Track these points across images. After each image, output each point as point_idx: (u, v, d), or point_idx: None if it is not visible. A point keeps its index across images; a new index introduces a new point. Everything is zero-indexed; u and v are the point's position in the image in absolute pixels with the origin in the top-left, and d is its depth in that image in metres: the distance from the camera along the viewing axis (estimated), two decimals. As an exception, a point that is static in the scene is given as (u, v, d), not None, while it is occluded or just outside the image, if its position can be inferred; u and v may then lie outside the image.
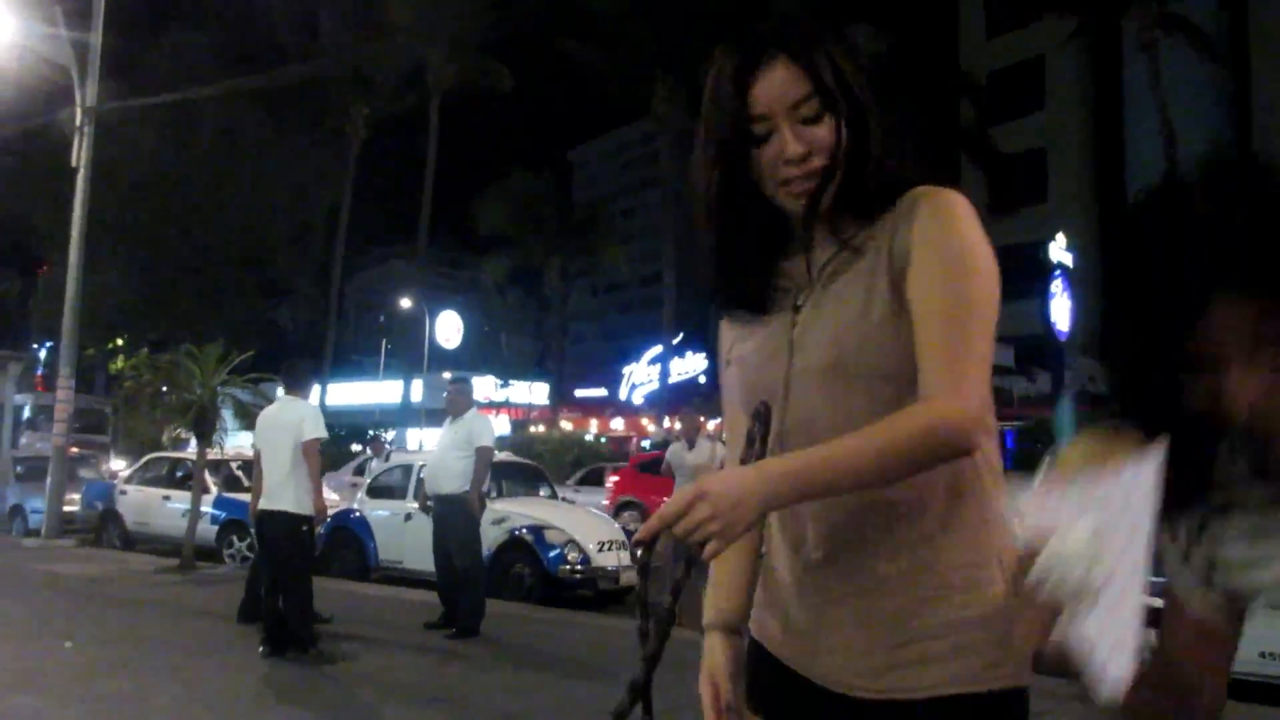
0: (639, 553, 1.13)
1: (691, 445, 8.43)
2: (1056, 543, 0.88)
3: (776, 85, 1.19)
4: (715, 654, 1.39)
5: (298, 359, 8.07)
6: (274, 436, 6.51)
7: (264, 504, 6.42)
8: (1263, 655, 5.81)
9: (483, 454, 7.34)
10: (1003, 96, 31.38)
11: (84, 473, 15.89)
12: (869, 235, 1.23)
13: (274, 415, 6.71)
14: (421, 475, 9.94)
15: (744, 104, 1.20)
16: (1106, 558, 0.86)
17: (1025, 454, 19.20)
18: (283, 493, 6.35)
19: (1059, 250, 24.73)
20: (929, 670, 1.19)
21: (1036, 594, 0.89)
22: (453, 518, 7.27)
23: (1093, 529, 0.87)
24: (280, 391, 7.08)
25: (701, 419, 9.10)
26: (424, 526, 9.27)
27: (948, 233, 1.18)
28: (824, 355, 1.23)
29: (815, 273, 1.27)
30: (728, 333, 1.40)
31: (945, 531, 1.20)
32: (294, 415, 6.52)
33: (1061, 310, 23.07)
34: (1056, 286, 23.28)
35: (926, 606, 1.19)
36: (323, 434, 6.56)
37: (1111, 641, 0.84)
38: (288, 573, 6.31)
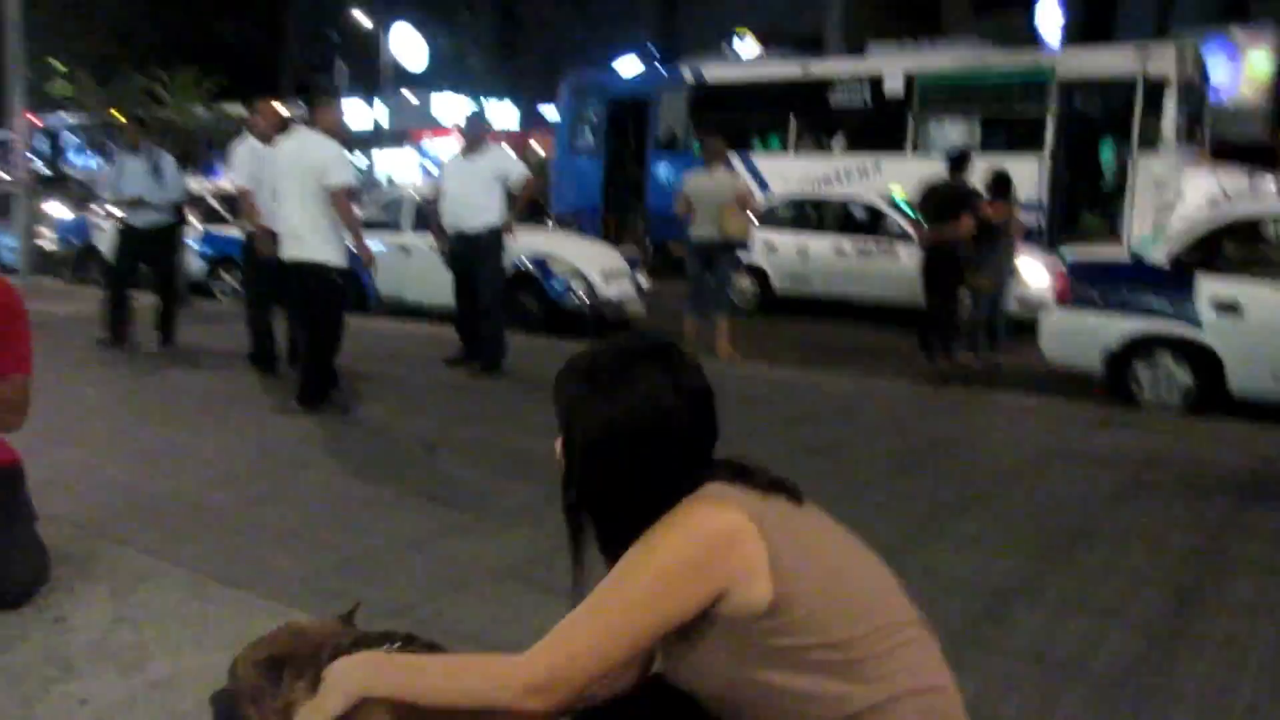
0: None
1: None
2: None
3: None
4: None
5: (311, 76, 7.39)
6: (293, 177, 5.76)
7: (290, 252, 5.84)
8: None
9: (524, 182, 7.15)
10: None
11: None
12: None
13: (292, 152, 5.85)
14: (421, 209, 9.60)
15: None
16: None
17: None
18: (308, 241, 5.76)
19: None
20: None
21: None
22: (481, 254, 7.05)
23: None
24: (299, 125, 6.08)
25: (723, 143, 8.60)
26: (425, 259, 9.06)
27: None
28: None
29: None
30: None
31: None
32: (317, 156, 5.72)
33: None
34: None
35: None
36: (351, 180, 5.87)
37: None
38: (317, 326, 5.92)
